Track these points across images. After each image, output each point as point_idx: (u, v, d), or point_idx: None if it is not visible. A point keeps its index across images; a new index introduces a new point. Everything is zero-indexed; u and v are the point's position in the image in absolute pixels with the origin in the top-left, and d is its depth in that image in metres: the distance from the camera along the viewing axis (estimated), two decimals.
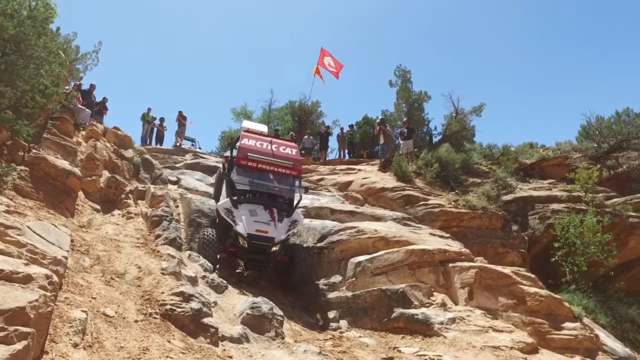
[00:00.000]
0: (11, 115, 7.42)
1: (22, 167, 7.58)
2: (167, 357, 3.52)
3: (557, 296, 6.36)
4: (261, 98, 29.82)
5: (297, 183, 7.93)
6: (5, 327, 2.42)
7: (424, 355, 4.94)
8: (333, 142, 19.41)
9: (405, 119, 14.04)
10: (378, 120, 14.21)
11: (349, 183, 11.78)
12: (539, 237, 11.32)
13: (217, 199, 8.51)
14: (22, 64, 7.05)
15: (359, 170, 13.22)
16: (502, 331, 5.55)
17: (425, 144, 14.43)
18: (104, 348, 3.32)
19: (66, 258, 4.25)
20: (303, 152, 17.29)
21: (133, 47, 76.43)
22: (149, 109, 15.80)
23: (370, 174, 12.27)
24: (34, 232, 4.19)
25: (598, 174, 12.96)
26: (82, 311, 3.60)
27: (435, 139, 15.01)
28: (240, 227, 6.86)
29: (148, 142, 15.86)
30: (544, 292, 6.25)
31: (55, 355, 2.90)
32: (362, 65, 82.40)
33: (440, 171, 12.28)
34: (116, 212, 8.78)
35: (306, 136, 16.90)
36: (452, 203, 10.86)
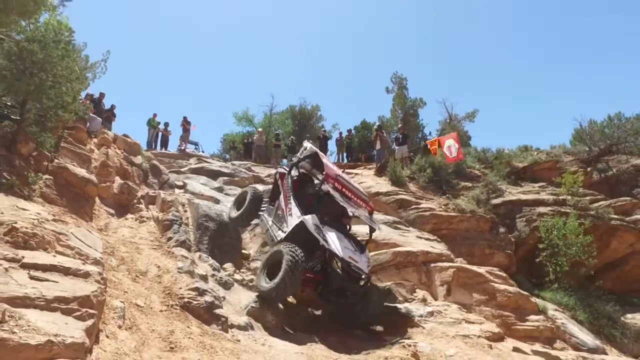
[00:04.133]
0: (37, 129, 8.49)
1: (47, 176, 8.60)
2: (189, 338, 4.55)
3: (524, 292, 7.38)
4: (262, 102, 30.83)
5: (370, 219, 7.51)
6: (80, 308, 3.44)
7: (402, 342, 5.95)
8: (332, 145, 20.53)
9: (400, 125, 15.05)
10: (376, 127, 15.22)
11: None
12: (526, 238, 12.25)
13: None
14: (49, 84, 8.08)
15: (356, 174, 14.22)
16: (473, 323, 6.56)
17: (420, 149, 15.42)
18: (140, 330, 4.35)
19: (102, 259, 5.28)
20: None
21: (134, 51, 77.98)
22: (155, 115, 16.89)
23: (366, 179, 13.26)
24: (76, 237, 5.22)
25: (583, 178, 13.92)
26: (120, 302, 4.63)
27: None
28: (335, 249, 6.30)
29: (153, 147, 16.91)
30: (512, 289, 7.26)
31: (108, 333, 3.92)
32: (361, 71, 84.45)
33: (433, 175, 13.24)
34: (129, 216, 9.81)
35: (305, 141, 17.93)
36: (443, 207, 11.83)
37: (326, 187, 7.02)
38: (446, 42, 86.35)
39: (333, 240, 6.39)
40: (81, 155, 10.58)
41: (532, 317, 6.95)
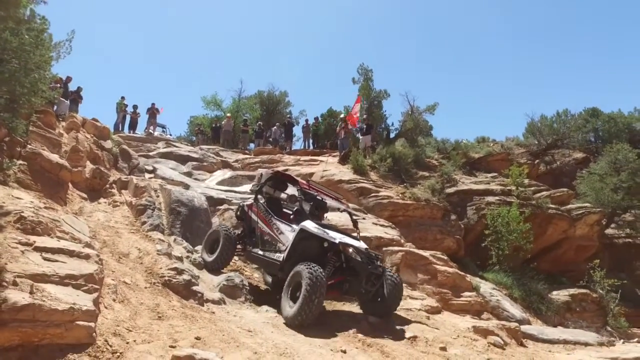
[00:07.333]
0: (8, 115, 8.92)
1: (21, 162, 9.09)
2: (173, 309, 5.49)
3: (461, 273, 8.75)
4: (230, 86, 30.94)
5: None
6: (86, 284, 4.31)
7: (355, 315, 7.12)
8: (298, 131, 21.49)
9: (365, 116, 16.15)
10: (341, 117, 16.23)
11: (311, 175, 13.80)
12: (474, 225, 13.82)
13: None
14: (24, 72, 8.51)
15: (321, 161, 15.27)
16: (416, 299, 7.83)
17: (383, 139, 16.61)
18: (131, 303, 5.25)
19: (91, 242, 6.07)
20: (271, 140, 19.22)
21: (100, 31, 75.20)
22: (123, 97, 17.17)
23: (330, 166, 14.34)
24: (67, 223, 5.97)
25: (529, 171, 15.59)
26: (112, 279, 5.48)
27: (392, 134, 17.24)
28: (345, 240, 6.55)
29: (120, 129, 17.25)
30: (451, 270, 8.60)
31: (106, 304, 4.80)
32: (329, 61, 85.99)
33: (393, 165, 14.49)
34: (102, 200, 10.43)
35: (275, 127, 18.75)
36: (400, 195, 13.12)
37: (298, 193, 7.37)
38: (413, 38, 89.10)
39: (337, 235, 6.61)
40: (51, 139, 10.98)
41: (466, 293, 8.32)
